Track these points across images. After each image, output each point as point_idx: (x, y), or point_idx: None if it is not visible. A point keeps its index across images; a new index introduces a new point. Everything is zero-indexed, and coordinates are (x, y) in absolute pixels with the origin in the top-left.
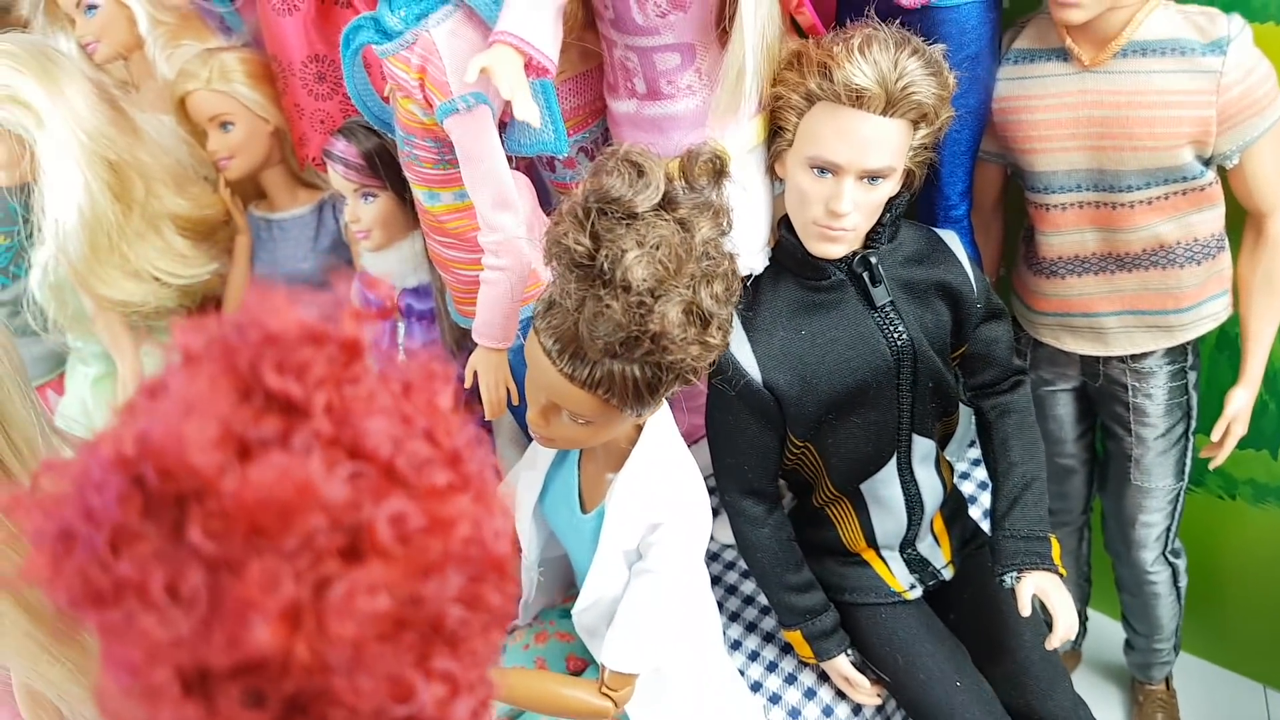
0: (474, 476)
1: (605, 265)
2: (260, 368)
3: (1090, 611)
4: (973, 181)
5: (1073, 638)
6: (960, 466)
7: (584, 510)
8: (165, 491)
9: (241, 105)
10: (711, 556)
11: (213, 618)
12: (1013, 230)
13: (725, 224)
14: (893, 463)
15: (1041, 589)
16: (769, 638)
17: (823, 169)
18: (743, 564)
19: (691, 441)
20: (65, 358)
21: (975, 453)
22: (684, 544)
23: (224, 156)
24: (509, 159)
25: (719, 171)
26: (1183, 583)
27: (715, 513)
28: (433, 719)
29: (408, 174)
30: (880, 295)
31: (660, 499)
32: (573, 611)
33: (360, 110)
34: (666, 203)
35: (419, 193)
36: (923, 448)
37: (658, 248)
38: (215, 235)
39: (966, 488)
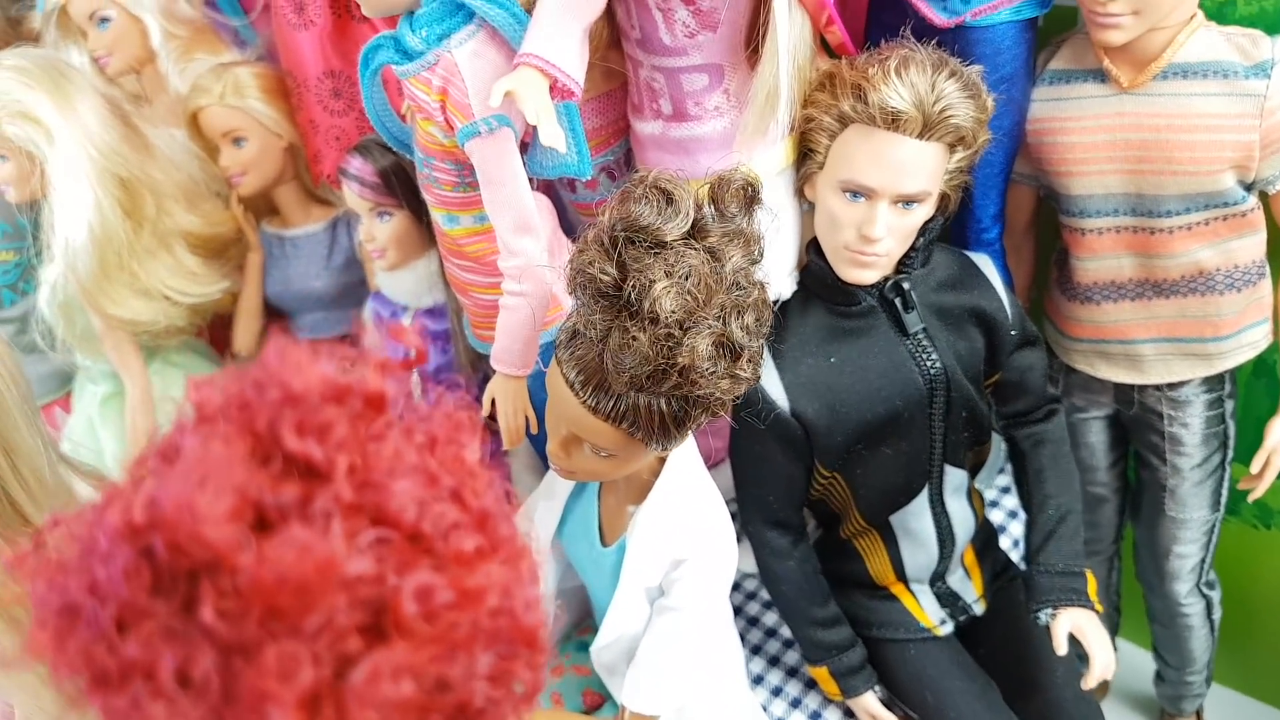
0: (504, 540)
1: (632, 296)
2: (280, 429)
3: (1120, 641)
4: (1005, 204)
5: (1109, 676)
6: (989, 495)
7: (604, 543)
8: (176, 566)
9: (255, 121)
10: (733, 587)
11: (225, 707)
12: (1044, 252)
13: (757, 253)
14: (924, 494)
15: (1078, 626)
16: (793, 672)
17: (856, 193)
18: (765, 594)
19: (712, 465)
20: (73, 375)
21: (1004, 479)
22: (709, 581)
23: (236, 173)
24: (529, 180)
25: (751, 199)
26: (1216, 615)
27: (737, 539)
28: None
29: (426, 196)
30: (913, 322)
31: (684, 533)
32: (591, 649)
33: (379, 131)
34: (696, 231)
35: (437, 215)
36: (955, 478)
37: (687, 278)
38: (227, 253)
39: (996, 516)
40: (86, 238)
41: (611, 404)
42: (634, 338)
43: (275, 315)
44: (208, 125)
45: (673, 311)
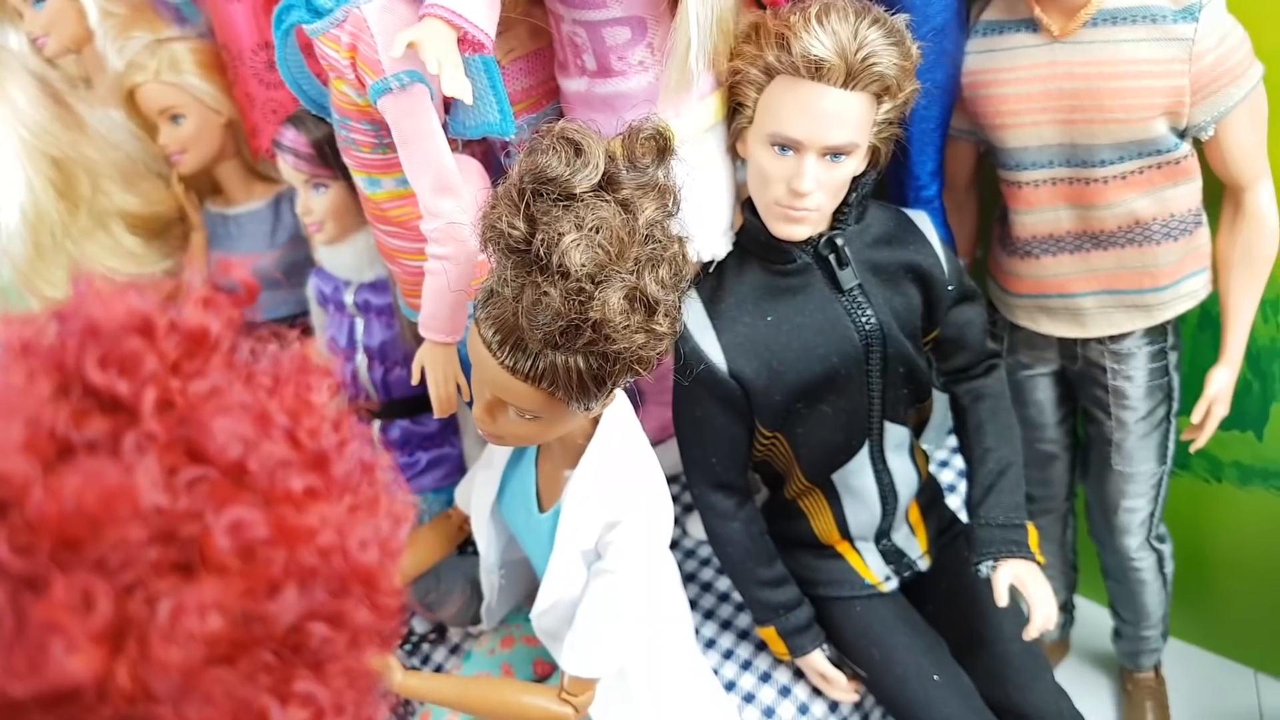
0: (343, 481)
1: (542, 250)
2: (83, 362)
3: (1078, 599)
4: (944, 160)
5: (1051, 627)
6: (940, 454)
7: (541, 509)
8: None
9: (192, 97)
10: (686, 553)
11: (16, 641)
12: (988, 211)
13: (672, 205)
14: (865, 451)
15: (1018, 578)
16: (743, 635)
17: (784, 146)
18: (716, 561)
19: (662, 439)
20: None
21: (954, 440)
22: (644, 543)
23: (175, 150)
24: (458, 142)
25: (663, 149)
26: (1169, 569)
27: (689, 509)
28: None
29: (346, 160)
30: (847, 279)
31: (618, 496)
32: (531, 615)
33: (295, 94)
34: (607, 183)
35: (359, 179)
36: (896, 435)
37: (597, 230)
38: (168, 232)
39: (946, 476)
40: (19, 220)
41: (529, 364)
42: (545, 293)
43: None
44: (144, 103)
45: (583, 265)
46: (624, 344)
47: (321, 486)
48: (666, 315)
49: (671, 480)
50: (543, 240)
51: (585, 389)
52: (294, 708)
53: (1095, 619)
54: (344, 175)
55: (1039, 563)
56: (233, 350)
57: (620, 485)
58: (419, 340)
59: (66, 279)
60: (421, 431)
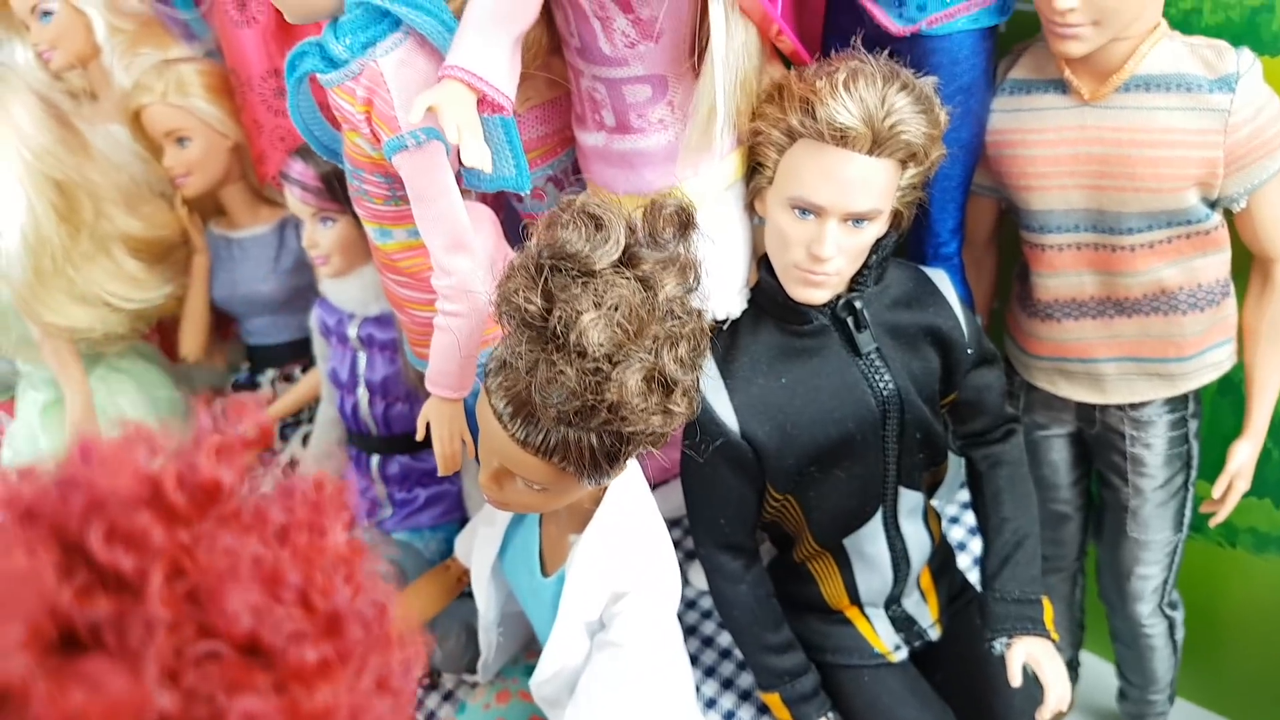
0: (357, 644)
1: (559, 328)
2: (87, 537)
3: (1084, 654)
4: (964, 217)
5: (1065, 709)
6: (950, 510)
7: (545, 573)
8: None
9: (199, 120)
10: (687, 604)
11: None
12: (1006, 264)
13: (693, 280)
14: (878, 517)
15: (1033, 656)
16: (745, 696)
17: (804, 210)
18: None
19: (664, 481)
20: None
21: (966, 494)
22: (652, 616)
23: (181, 173)
24: (472, 194)
25: (686, 224)
26: (1179, 635)
27: (690, 555)
28: None
29: (358, 209)
30: (865, 342)
31: (625, 566)
32: (531, 683)
33: (306, 139)
34: (627, 259)
35: (370, 229)
36: (910, 500)
37: (616, 309)
38: (170, 256)
39: (956, 533)
40: (19, 244)
41: (541, 437)
42: (560, 371)
43: (224, 320)
44: (150, 124)
45: (600, 345)
46: (640, 425)
47: (335, 656)
48: (685, 395)
49: (672, 525)
50: (560, 317)
51: (597, 465)
52: None
53: (1100, 674)
54: (351, 209)
55: (1054, 640)
56: (245, 499)
57: (628, 555)
58: (421, 380)
59: (66, 302)
60: (421, 468)
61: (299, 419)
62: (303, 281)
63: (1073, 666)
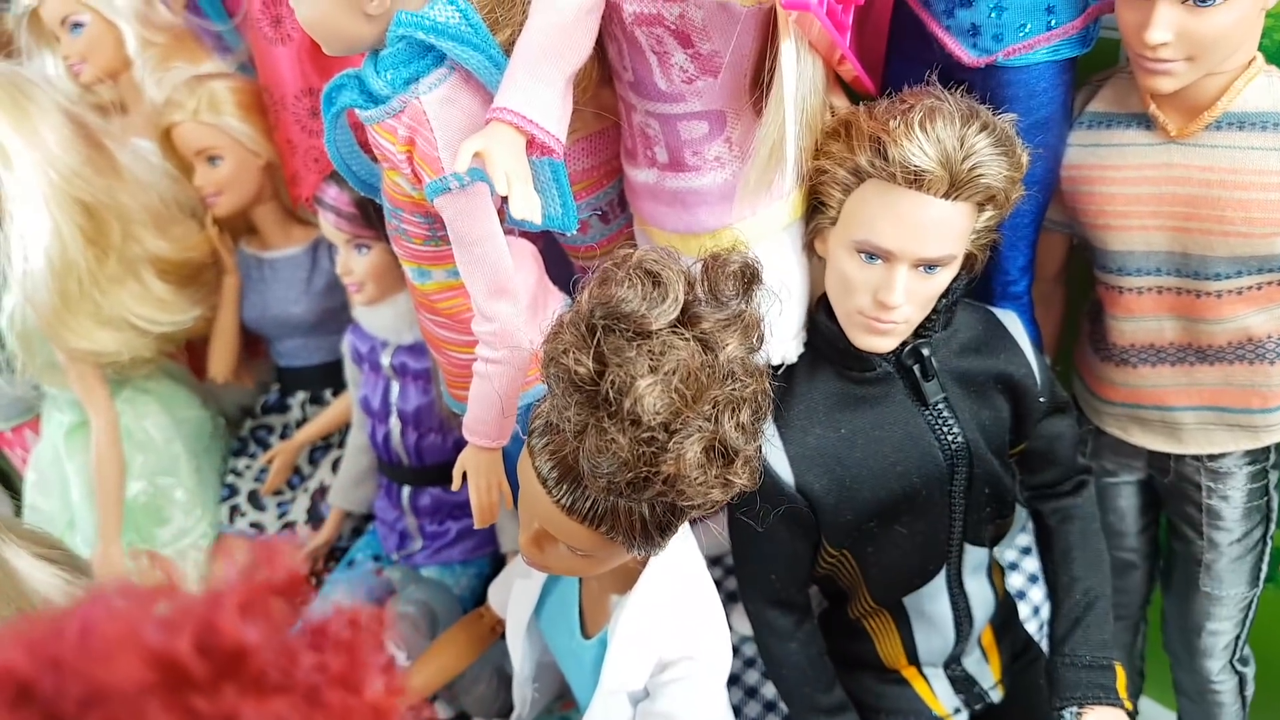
0: None
1: (611, 393)
2: None
3: (1144, 702)
4: (1035, 255)
5: None
6: (1008, 555)
7: (585, 634)
8: None
9: (231, 138)
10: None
11: None
12: (1075, 299)
13: (756, 340)
14: (942, 575)
15: None
16: None
17: (872, 255)
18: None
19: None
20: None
21: (1024, 538)
22: (703, 688)
23: (212, 192)
24: (514, 230)
25: (750, 281)
26: (1249, 691)
27: (732, 597)
28: None
29: (396, 249)
30: (933, 391)
31: (674, 633)
32: None
33: (344, 175)
34: (686, 318)
35: (408, 269)
36: (975, 557)
37: (674, 373)
38: (200, 278)
39: (1015, 581)
40: (44, 267)
41: (588, 505)
42: (613, 440)
43: (253, 339)
44: (181, 142)
45: (658, 413)
46: (698, 499)
47: None
48: (746, 464)
49: (713, 564)
50: (613, 382)
51: (648, 537)
52: None
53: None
54: (386, 236)
55: (1128, 710)
56: (272, 653)
57: (677, 621)
58: (453, 414)
59: (92, 327)
60: (453, 500)
61: (329, 443)
62: (335, 303)
63: (1131, 716)
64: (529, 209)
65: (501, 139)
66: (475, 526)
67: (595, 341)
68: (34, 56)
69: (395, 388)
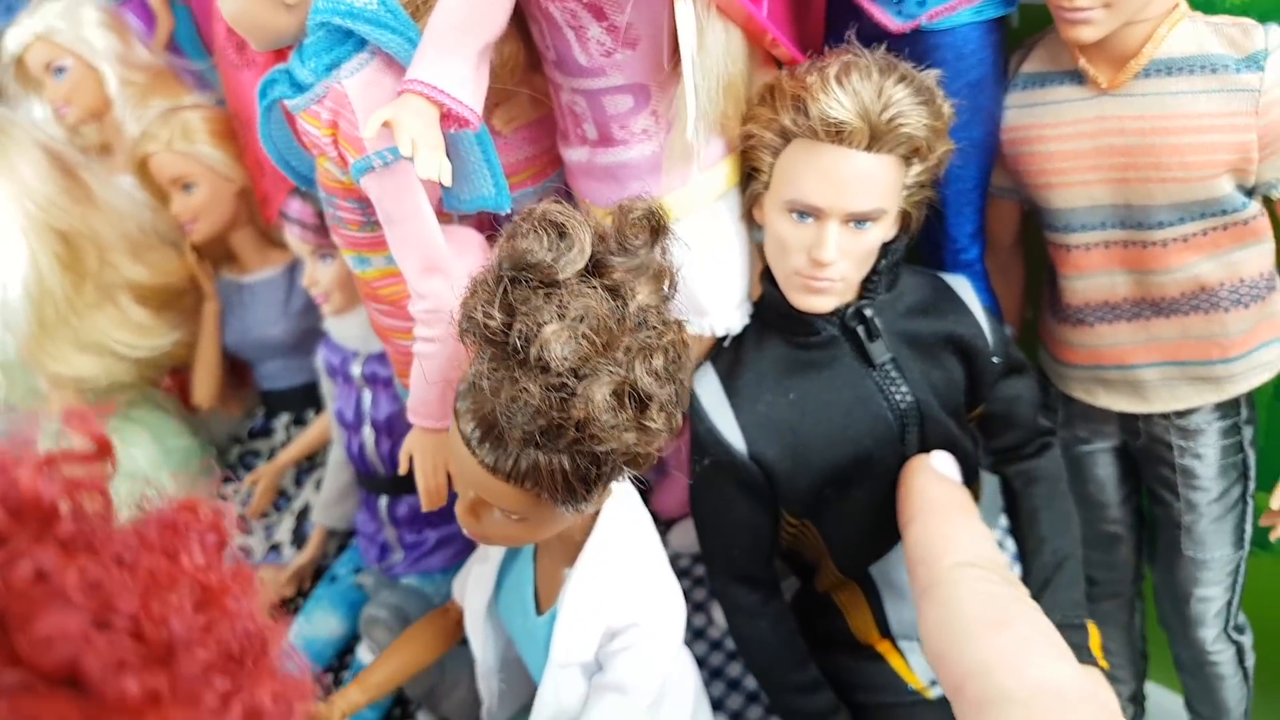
0: (195, 678)
1: (519, 342)
2: None
3: (1149, 686)
4: (984, 221)
5: None
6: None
7: (539, 611)
8: None
9: (204, 166)
10: (712, 645)
11: None
12: (1037, 271)
13: (668, 288)
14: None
15: None
16: None
17: (803, 213)
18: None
19: (686, 515)
20: None
21: (1006, 520)
22: (652, 654)
23: (188, 219)
24: (454, 217)
25: (657, 229)
26: (1249, 661)
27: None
28: None
29: (335, 238)
30: (879, 352)
31: (621, 600)
32: None
33: (281, 170)
34: (595, 267)
35: (348, 258)
36: None
37: (581, 320)
38: (179, 303)
39: None
40: (22, 295)
41: (510, 462)
42: (524, 389)
43: (241, 367)
44: (157, 172)
45: (565, 358)
46: (613, 444)
47: (166, 688)
48: (662, 410)
49: (696, 560)
50: (520, 331)
51: (572, 490)
52: None
53: (1167, 707)
54: None
55: (1102, 668)
56: (76, 518)
57: (623, 588)
58: None
59: (72, 352)
60: None
61: (314, 463)
62: (313, 324)
63: (1138, 700)
64: (432, 170)
65: (410, 107)
66: (424, 509)
67: (504, 293)
68: (21, 102)
69: (367, 396)
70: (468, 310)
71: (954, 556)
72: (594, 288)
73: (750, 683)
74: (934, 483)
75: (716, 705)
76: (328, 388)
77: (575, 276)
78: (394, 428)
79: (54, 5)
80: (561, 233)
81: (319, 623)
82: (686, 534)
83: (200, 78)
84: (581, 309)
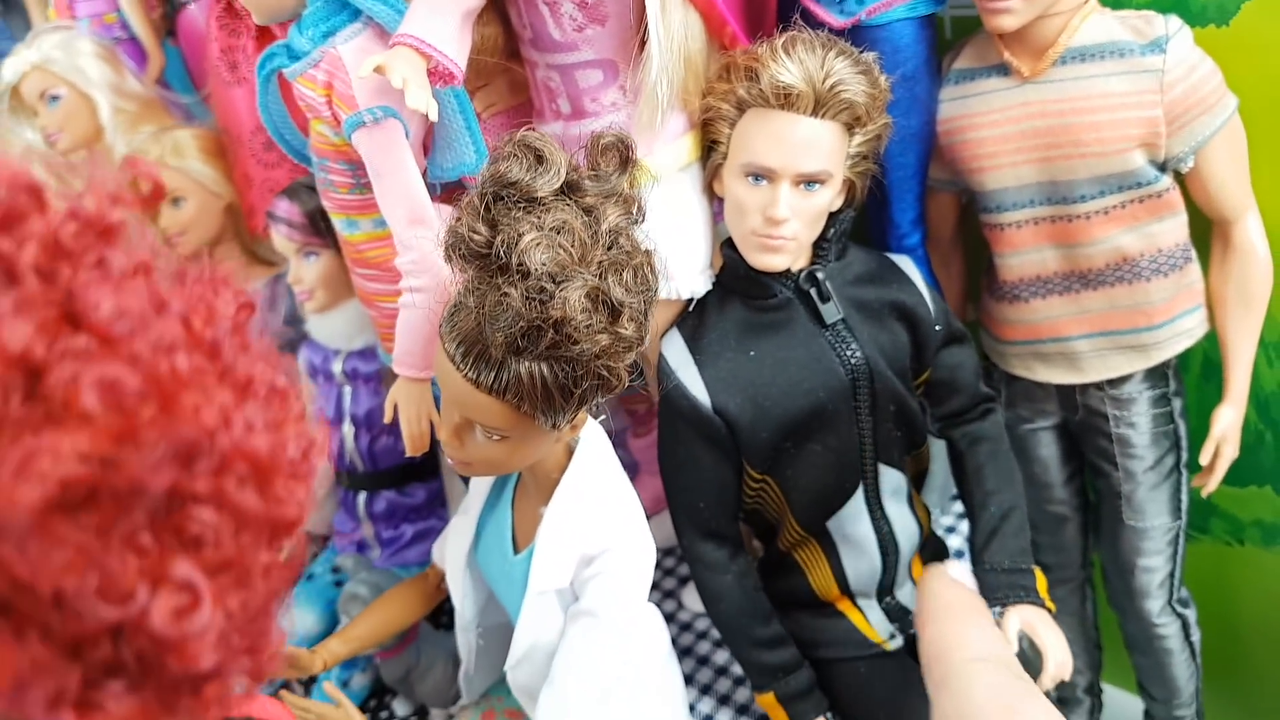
0: (237, 371)
1: (502, 251)
2: None
3: (1105, 685)
4: (924, 210)
5: (1066, 676)
6: (946, 520)
7: (517, 550)
8: None
9: (194, 181)
10: (682, 626)
11: None
12: (976, 266)
13: (636, 214)
14: (859, 495)
15: (1028, 623)
16: (743, 710)
17: (758, 176)
18: (715, 633)
19: (659, 510)
20: None
21: (961, 506)
22: (625, 578)
23: (175, 233)
24: (435, 190)
25: (626, 158)
26: (1195, 636)
27: (684, 581)
28: (166, 636)
29: (325, 203)
30: (830, 313)
31: (595, 529)
32: (506, 668)
33: (276, 141)
34: (570, 189)
35: (337, 221)
36: (892, 480)
37: (559, 231)
38: None
39: (954, 542)
40: None
41: (493, 375)
42: (505, 294)
43: None
44: None
45: (543, 264)
46: (587, 345)
47: (212, 371)
48: (632, 320)
49: (667, 553)
50: (503, 241)
51: (550, 399)
52: (167, 593)
53: (1125, 707)
54: (334, 244)
55: (1050, 610)
56: (134, 245)
57: (597, 518)
58: None
59: None
60: (408, 503)
61: None
62: (295, 336)
63: (1094, 692)
64: (422, 102)
65: (402, 55)
66: (407, 454)
67: (486, 210)
68: (15, 129)
69: (348, 392)
70: (453, 229)
71: (966, 652)
72: (569, 205)
73: (719, 657)
74: (949, 588)
75: (688, 679)
76: (309, 390)
77: (552, 195)
78: (373, 421)
79: (51, 36)
80: (539, 156)
81: (296, 620)
82: (660, 528)
83: (187, 111)
84: (558, 222)
